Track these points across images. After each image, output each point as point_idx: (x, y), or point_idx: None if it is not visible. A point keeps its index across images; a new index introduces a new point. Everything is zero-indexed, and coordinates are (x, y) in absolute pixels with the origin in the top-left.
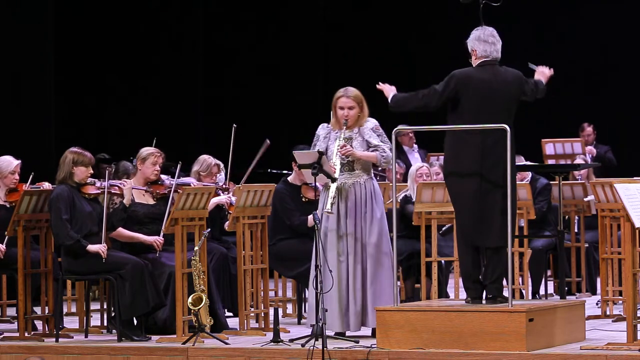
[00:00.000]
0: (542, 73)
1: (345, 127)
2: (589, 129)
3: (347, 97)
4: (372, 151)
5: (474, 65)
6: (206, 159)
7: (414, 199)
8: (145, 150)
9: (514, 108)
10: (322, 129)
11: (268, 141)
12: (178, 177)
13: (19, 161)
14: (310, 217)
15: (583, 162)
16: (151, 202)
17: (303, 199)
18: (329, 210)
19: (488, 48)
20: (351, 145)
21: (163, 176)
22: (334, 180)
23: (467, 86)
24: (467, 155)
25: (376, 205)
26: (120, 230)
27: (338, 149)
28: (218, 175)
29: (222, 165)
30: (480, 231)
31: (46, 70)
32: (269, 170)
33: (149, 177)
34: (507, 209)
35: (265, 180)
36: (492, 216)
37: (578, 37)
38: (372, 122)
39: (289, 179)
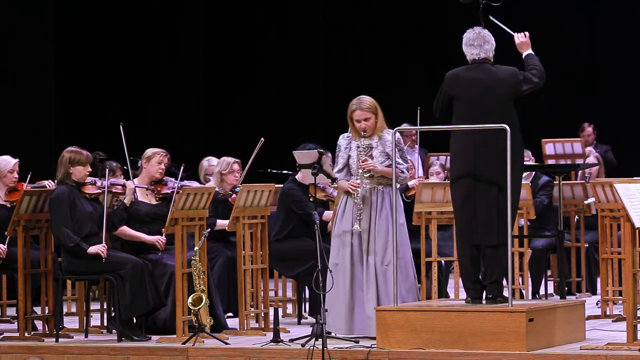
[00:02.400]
0: (520, 42)
1: (363, 137)
2: (589, 129)
3: (361, 109)
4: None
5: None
6: (224, 158)
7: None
8: (151, 150)
9: (508, 106)
10: (342, 139)
11: (262, 140)
12: (181, 179)
13: (17, 160)
14: (326, 213)
15: (595, 159)
16: (154, 201)
17: (311, 199)
18: (358, 228)
19: (474, 51)
20: (371, 155)
21: (167, 178)
22: (333, 180)
23: (456, 85)
24: (461, 154)
25: (389, 212)
26: (124, 228)
27: (359, 163)
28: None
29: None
30: (476, 230)
31: (46, 70)
32: (269, 170)
33: (154, 175)
34: (502, 208)
35: (265, 180)
36: (488, 215)
37: (578, 37)
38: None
39: (297, 177)
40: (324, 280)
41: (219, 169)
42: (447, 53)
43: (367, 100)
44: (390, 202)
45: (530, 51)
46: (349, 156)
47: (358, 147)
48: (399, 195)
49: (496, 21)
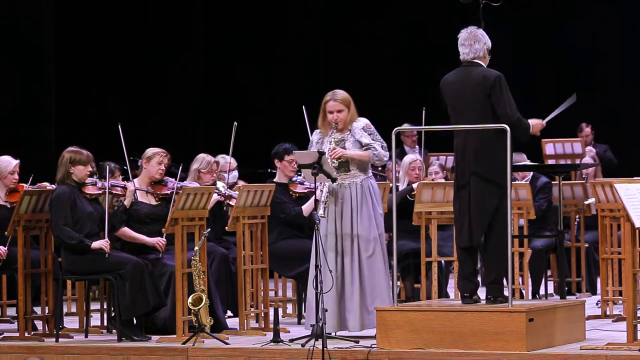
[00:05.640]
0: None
1: (335, 130)
2: (587, 130)
3: (334, 100)
4: (365, 150)
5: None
6: (205, 156)
7: (403, 187)
8: (151, 150)
9: (486, 109)
10: (315, 135)
11: (236, 123)
12: (181, 180)
13: (17, 161)
14: (304, 206)
15: (592, 160)
16: (154, 202)
17: (293, 195)
18: (322, 215)
19: (465, 50)
20: (344, 147)
21: (167, 178)
22: (334, 180)
23: (444, 89)
24: (455, 157)
25: (375, 204)
26: (125, 229)
27: (329, 153)
28: (232, 172)
29: (235, 164)
30: (459, 231)
31: (46, 70)
32: (269, 170)
33: (154, 176)
34: (479, 210)
35: (265, 180)
36: (466, 217)
37: (578, 38)
38: (362, 122)
39: (275, 179)
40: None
41: (197, 166)
42: (447, 53)
43: (341, 93)
44: (370, 194)
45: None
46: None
47: (331, 142)
48: (374, 183)
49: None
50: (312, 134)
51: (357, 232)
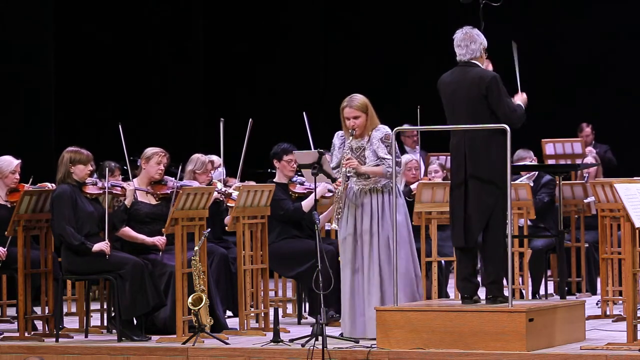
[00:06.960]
0: (520, 97)
1: (352, 137)
2: (587, 129)
3: (350, 107)
4: (379, 165)
5: None
6: (199, 157)
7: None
8: (150, 150)
9: (481, 109)
10: (337, 138)
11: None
12: (181, 179)
13: (19, 160)
14: (304, 202)
15: (594, 160)
16: (154, 201)
17: (292, 195)
18: (334, 226)
19: (461, 51)
20: (363, 155)
21: (167, 177)
22: (333, 180)
23: (440, 89)
24: (450, 156)
25: (394, 209)
26: (126, 229)
27: (343, 162)
28: (217, 169)
29: (220, 161)
30: (452, 230)
31: (46, 70)
32: (269, 170)
33: (153, 176)
34: (472, 209)
35: (265, 180)
36: (460, 216)
37: (578, 37)
38: (381, 132)
39: (274, 180)
40: (324, 281)
41: (192, 167)
42: (447, 53)
43: (357, 98)
44: (390, 200)
45: (520, 103)
46: (342, 156)
47: (351, 148)
48: (399, 194)
49: (515, 54)
50: (313, 140)
51: (377, 233)
